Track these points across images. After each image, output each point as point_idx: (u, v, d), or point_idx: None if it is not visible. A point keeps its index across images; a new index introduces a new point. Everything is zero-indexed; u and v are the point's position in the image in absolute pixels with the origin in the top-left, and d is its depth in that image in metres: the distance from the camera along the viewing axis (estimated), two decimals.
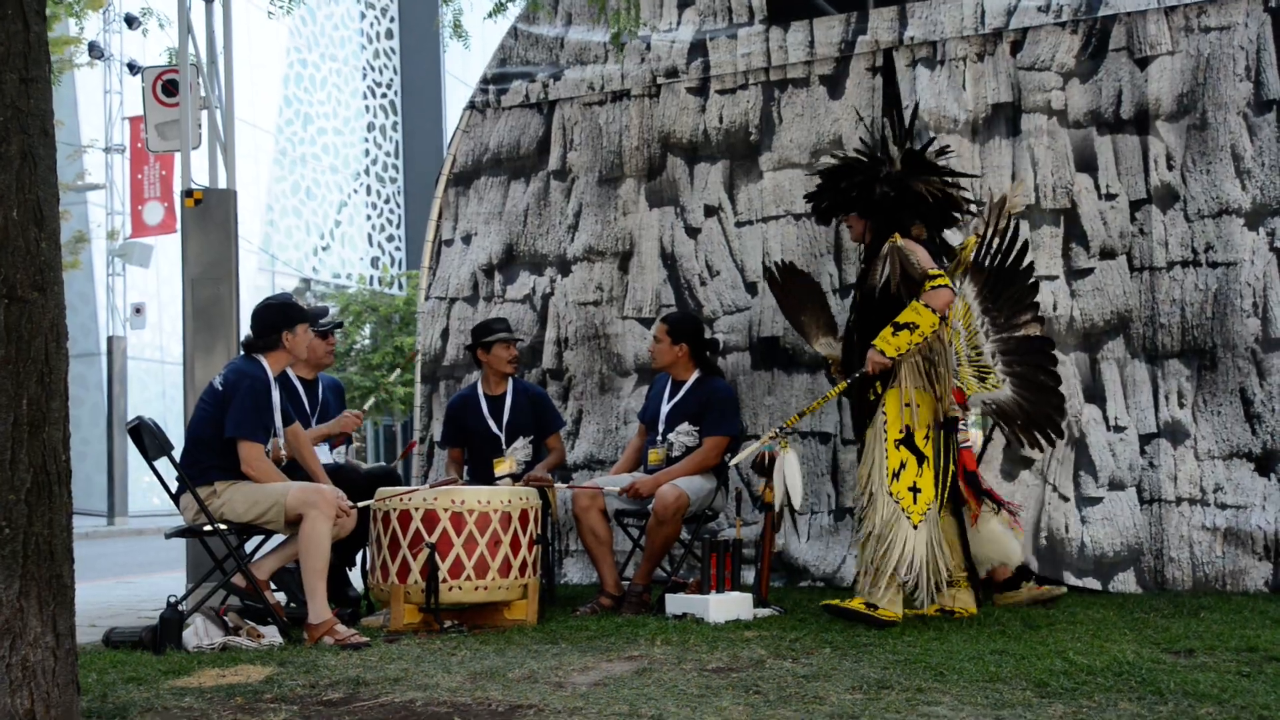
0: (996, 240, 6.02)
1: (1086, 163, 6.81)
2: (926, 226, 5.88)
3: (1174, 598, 6.16)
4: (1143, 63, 6.90)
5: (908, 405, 5.59)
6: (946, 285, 5.55)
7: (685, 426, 6.44)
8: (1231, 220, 6.57)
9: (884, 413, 5.62)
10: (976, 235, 6.07)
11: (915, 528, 5.43)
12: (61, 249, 3.55)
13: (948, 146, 6.43)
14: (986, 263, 6.04)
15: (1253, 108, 6.69)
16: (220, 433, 5.65)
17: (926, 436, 5.59)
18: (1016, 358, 5.98)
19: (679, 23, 7.98)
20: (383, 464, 7.43)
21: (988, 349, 6.00)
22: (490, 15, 7.92)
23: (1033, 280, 6.13)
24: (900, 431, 5.58)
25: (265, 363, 5.85)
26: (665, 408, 6.52)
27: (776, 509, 5.95)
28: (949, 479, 5.65)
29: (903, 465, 5.52)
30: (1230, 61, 6.75)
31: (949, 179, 6.00)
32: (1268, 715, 3.42)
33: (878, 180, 5.83)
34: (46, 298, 3.34)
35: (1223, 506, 6.41)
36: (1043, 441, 6.04)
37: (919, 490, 5.51)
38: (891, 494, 5.48)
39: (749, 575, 6.54)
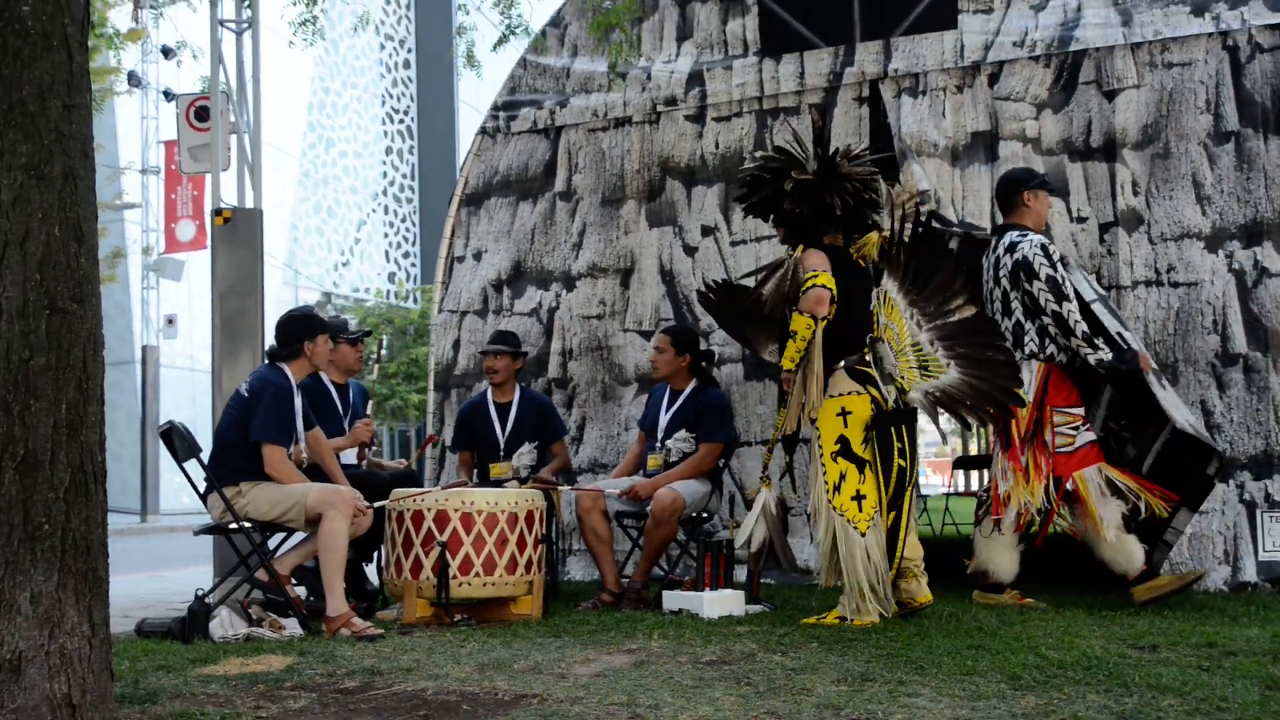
0: (908, 233, 5.59)
1: (1059, 188, 6.79)
2: (845, 232, 5.70)
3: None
4: (1110, 95, 6.90)
5: (839, 415, 5.39)
6: (819, 285, 5.36)
7: (682, 433, 6.44)
8: (1192, 243, 6.59)
9: (817, 428, 5.46)
10: (881, 234, 5.68)
11: (864, 535, 5.29)
12: (100, 263, 3.56)
13: (865, 150, 5.99)
14: (902, 257, 5.63)
15: (1212, 138, 6.69)
16: (246, 437, 5.66)
17: (865, 440, 5.36)
18: (957, 340, 5.51)
19: (678, 54, 7.98)
20: (404, 463, 7.40)
21: (925, 339, 5.57)
22: (495, 47, 7.91)
23: (956, 265, 5.79)
24: (835, 444, 5.38)
25: (288, 371, 5.86)
26: (664, 416, 6.52)
27: (739, 546, 5.86)
28: (893, 475, 5.41)
29: (843, 477, 5.35)
30: (1192, 95, 6.76)
31: (863, 184, 5.66)
32: (1225, 706, 3.41)
33: (784, 193, 5.58)
34: (85, 309, 3.34)
35: None
36: (1001, 415, 5.56)
37: (863, 497, 5.34)
38: (835, 508, 5.35)
39: (741, 574, 6.52)
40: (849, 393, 5.42)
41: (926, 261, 5.61)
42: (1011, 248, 5.89)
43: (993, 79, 7.14)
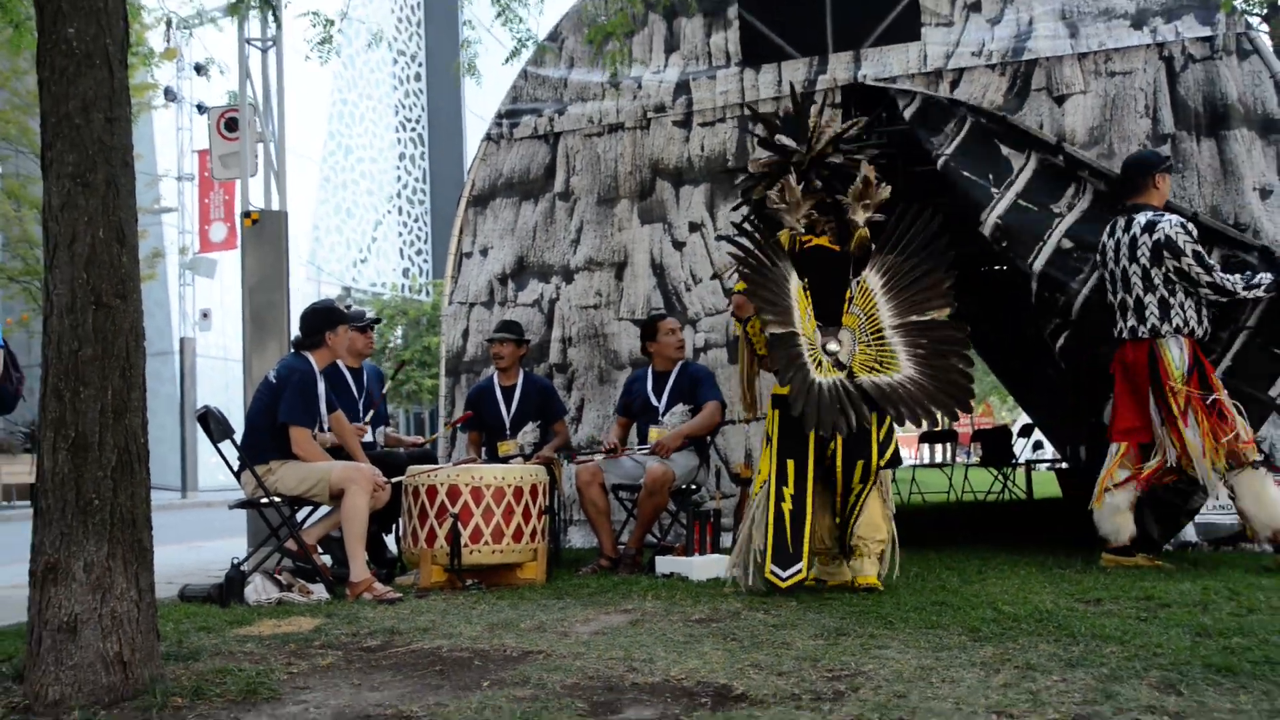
0: (909, 228, 5.24)
1: None
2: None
3: (1088, 554, 6.19)
4: (1060, 100, 6.92)
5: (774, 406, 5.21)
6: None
7: (680, 407, 6.47)
8: None
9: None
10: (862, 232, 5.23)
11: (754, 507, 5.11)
12: (140, 262, 3.58)
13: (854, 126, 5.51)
14: (887, 250, 5.25)
15: (1150, 139, 6.71)
16: (274, 419, 5.68)
17: (771, 418, 5.17)
18: (919, 337, 5.12)
19: (666, 65, 7.99)
20: (421, 439, 7.44)
21: (891, 332, 5.14)
22: (507, 60, 7.93)
23: (949, 268, 5.32)
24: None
25: (312, 359, 5.88)
26: (660, 398, 6.54)
27: None
28: (811, 453, 5.01)
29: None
30: (1132, 101, 6.78)
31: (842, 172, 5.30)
32: (1160, 652, 3.44)
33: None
34: (127, 304, 3.37)
35: None
36: (944, 416, 5.46)
37: (760, 472, 5.20)
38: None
39: (727, 540, 6.56)
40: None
41: (915, 259, 5.25)
42: (1150, 227, 5.63)
43: (954, 85, 7.16)
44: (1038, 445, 15.39)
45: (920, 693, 2.99)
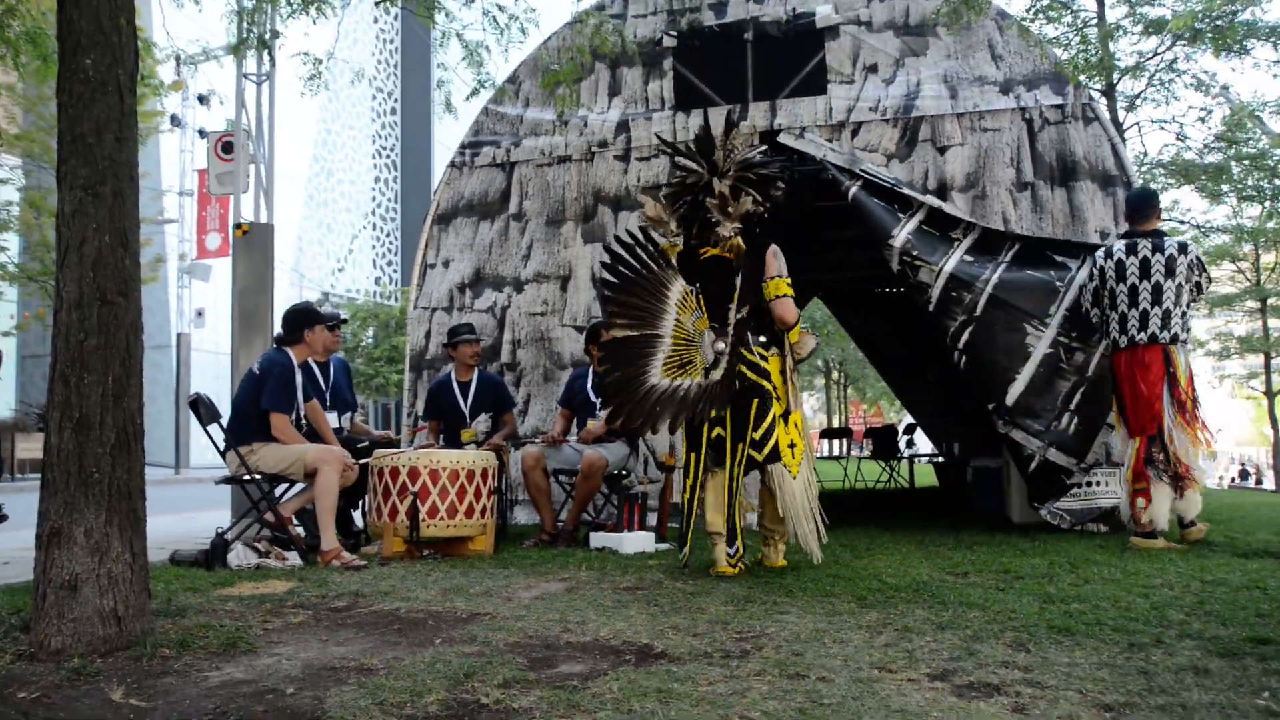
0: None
1: None
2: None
3: (958, 535, 6.30)
4: (942, 150, 7.04)
5: None
6: None
7: None
8: None
9: None
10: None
11: None
12: (141, 266, 3.52)
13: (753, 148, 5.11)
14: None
15: (1015, 186, 6.87)
16: (257, 406, 5.60)
17: None
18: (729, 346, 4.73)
19: (609, 107, 7.99)
20: (389, 433, 7.37)
21: (706, 338, 4.76)
22: (468, 97, 7.89)
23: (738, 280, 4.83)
24: None
25: (291, 353, 5.81)
26: (599, 395, 6.51)
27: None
28: (704, 444, 4.74)
29: None
30: (1000, 153, 6.93)
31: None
32: (1013, 616, 3.51)
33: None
34: (129, 302, 3.32)
35: None
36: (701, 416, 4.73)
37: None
38: None
39: (652, 519, 6.57)
40: None
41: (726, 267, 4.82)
42: (1184, 248, 5.64)
43: (854, 134, 7.25)
44: (909, 444, 15.58)
45: (814, 651, 3.02)
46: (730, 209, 4.78)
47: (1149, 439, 5.62)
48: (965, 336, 6.41)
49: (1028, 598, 3.89)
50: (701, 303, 4.82)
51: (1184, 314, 5.65)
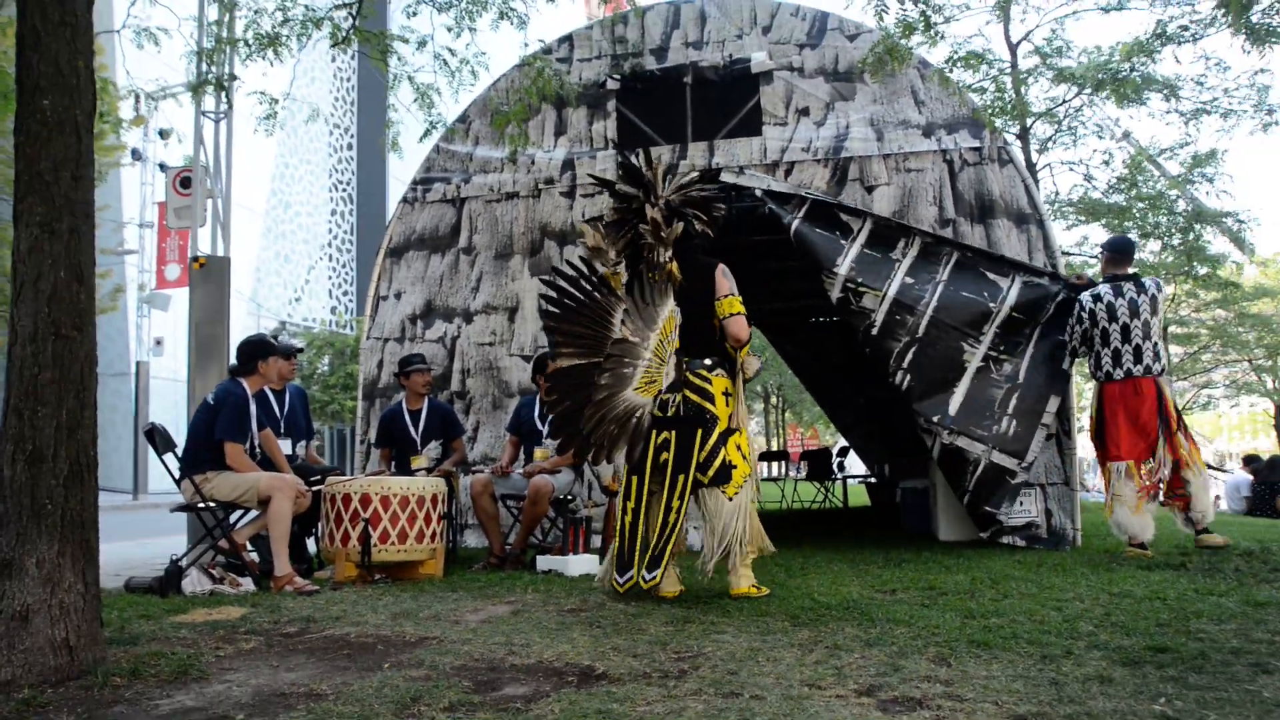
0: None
1: None
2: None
3: (887, 553, 6.36)
4: (870, 189, 7.17)
5: None
6: None
7: None
8: None
9: None
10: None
11: None
12: (102, 296, 3.47)
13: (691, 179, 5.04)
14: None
15: (938, 223, 7.01)
16: (211, 435, 5.51)
17: None
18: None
19: (555, 146, 8.02)
20: (333, 465, 7.26)
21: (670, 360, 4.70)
22: (421, 139, 7.89)
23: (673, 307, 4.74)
24: None
25: (245, 384, 5.74)
26: (545, 423, 6.45)
27: None
28: (649, 468, 4.59)
29: None
30: (924, 192, 7.08)
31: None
32: (937, 631, 3.56)
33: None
34: (83, 336, 3.26)
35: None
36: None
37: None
38: None
39: (597, 541, 6.55)
40: None
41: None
42: (1159, 286, 6.12)
43: (788, 173, 7.35)
44: (842, 466, 15.72)
45: (749, 670, 3.03)
46: (664, 234, 4.68)
47: (1142, 462, 5.91)
48: (909, 356, 6.60)
49: (950, 613, 3.93)
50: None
51: (1158, 349, 6.03)
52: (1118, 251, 6.31)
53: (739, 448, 4.57)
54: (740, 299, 4.66)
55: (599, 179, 5.19)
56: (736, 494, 4.50)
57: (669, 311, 4.66)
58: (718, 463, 4.52)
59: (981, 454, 6.46)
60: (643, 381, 4.60)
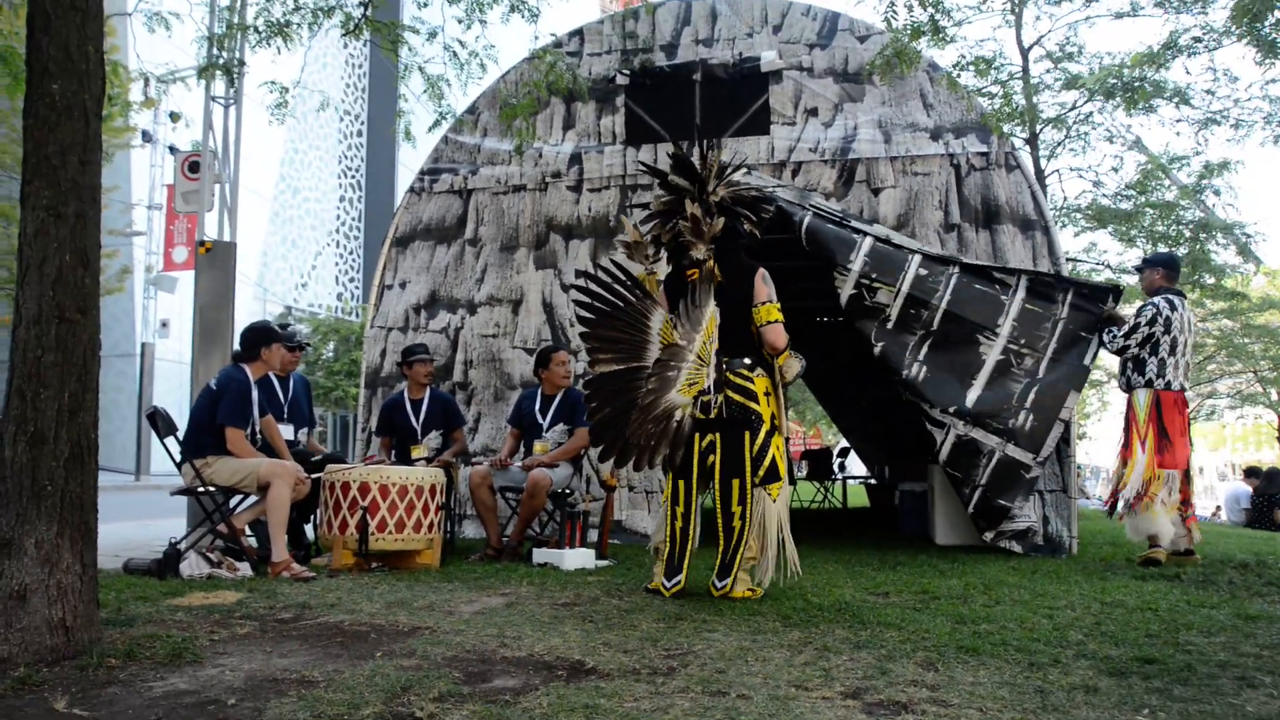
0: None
1: None
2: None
3: (882, 555, 6.37)
4: (876, 191, 7.18)
5: None
6: None
7: (560, 426, 6.47)
8: None
9: None
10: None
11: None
12: (108, 277, 3.49)
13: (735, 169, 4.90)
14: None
15: (943, 228, 7.02)
16: (213, 420, 5.54)
17: None
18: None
19: (563, 140, 8.04)
20: (335, 451, 7.30)
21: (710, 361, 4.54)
22: (430, 129, 7.91)
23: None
24: None
25: (248, 370, 5.76)
26: (544, 417, 6.50)
27: None
28: (695, 471, 4.56)
29: None
30: (930, 196, 7.08)
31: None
32: (927, 635, 3.56)
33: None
34: (87, 319, 3.28)
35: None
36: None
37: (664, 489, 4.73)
38: None
39: (594, 535, 6.58)
40: None
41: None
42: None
43: (795, 173, 7.36)
44: (842, 466, 15.69)
45: (737, 669, 3.04)
46: (704, 229, 4.59)
47: (1185, 473, 6.09)
48: (924, 350, 6.57)
49: (941, 618, 3.94)
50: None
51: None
52: (1173, 268, 6.51)
53: (779, 448, 4.52)
54: (779, 306, 4.59)
55: (651, 168, 5.05)
56: (779, 496, 4.46)
57: (711, 311, 4.54)
58: (766, 462, 4.46)
59: (996, 446, 6.43)
60: (685, 383, 4.47)
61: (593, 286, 4.54)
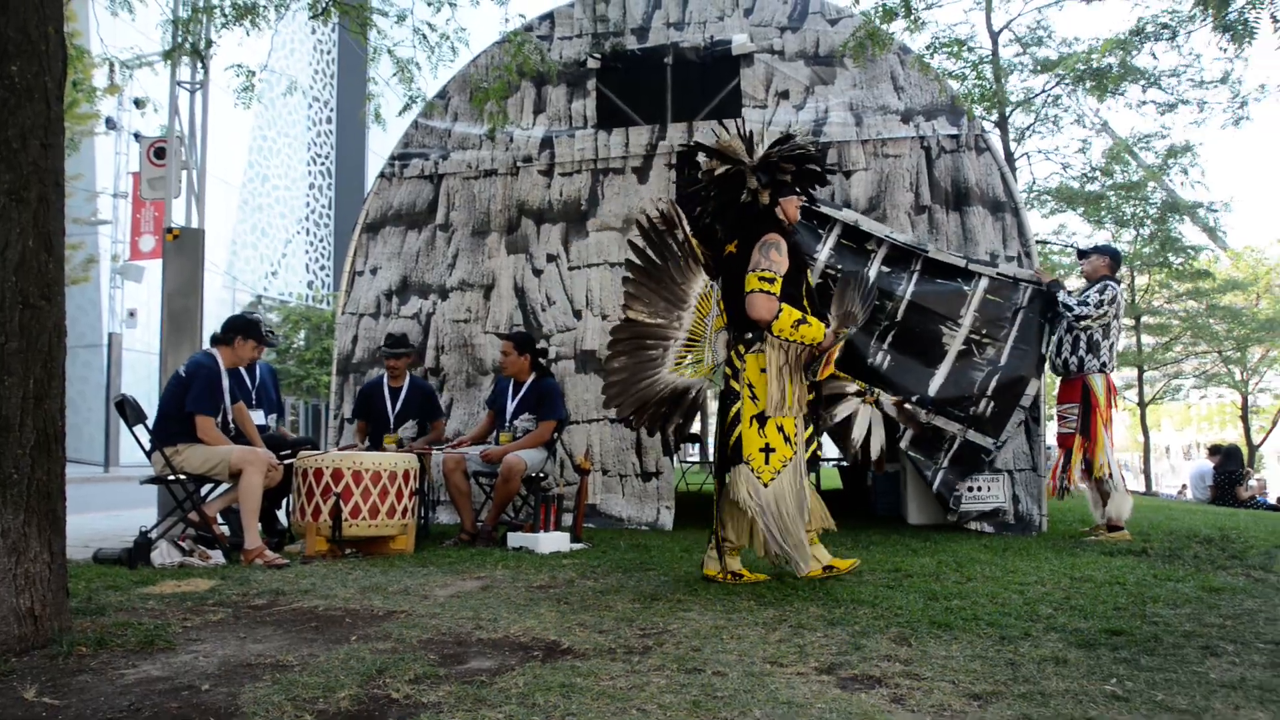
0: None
1: None
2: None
3: (856, 535, 6.41)
4: (848, 174, 7.19)
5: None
6: None
7: (526, 415, 6.43)
8: None
9: None
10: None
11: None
12: (74, 267, 3.43)
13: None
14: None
15: (914, 209, 7.05)
16: (182, 408, 5.48)
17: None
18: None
19: (534, 124, 7.99)
20: (308, 436, 7.24)
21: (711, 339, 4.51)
22: (400, 113, 7.84)
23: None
24: None
25: (219, 355, 5.70)
26: (511, 404, 6.48)
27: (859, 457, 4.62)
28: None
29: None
30: (901, 178, 7.11)
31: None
32: (900, 612, 3.60)
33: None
34: (52, 305, 3.23)
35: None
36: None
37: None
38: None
39: (568, 519, 6.58)
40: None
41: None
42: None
43: None
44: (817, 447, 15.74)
45: (712, 647, 3.06)
46: (763, 198, 4.42)
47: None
48: (889, 339, 6.62)
49: (914, 595, 3.98)
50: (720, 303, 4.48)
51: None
52: (1118, 259, 6.68)
53: (782, 429, 4.26)
54: (768, 273, 4.24)
55: (704, 146, 4.73)
56: (773, 479, 4.22)
57: (702, 287, 4.39)
58: (731, 441, 4.32)
59: (958, 432, 6.52)
60: (691, 362, 4.37)
61: (650, 231, 4.40)
